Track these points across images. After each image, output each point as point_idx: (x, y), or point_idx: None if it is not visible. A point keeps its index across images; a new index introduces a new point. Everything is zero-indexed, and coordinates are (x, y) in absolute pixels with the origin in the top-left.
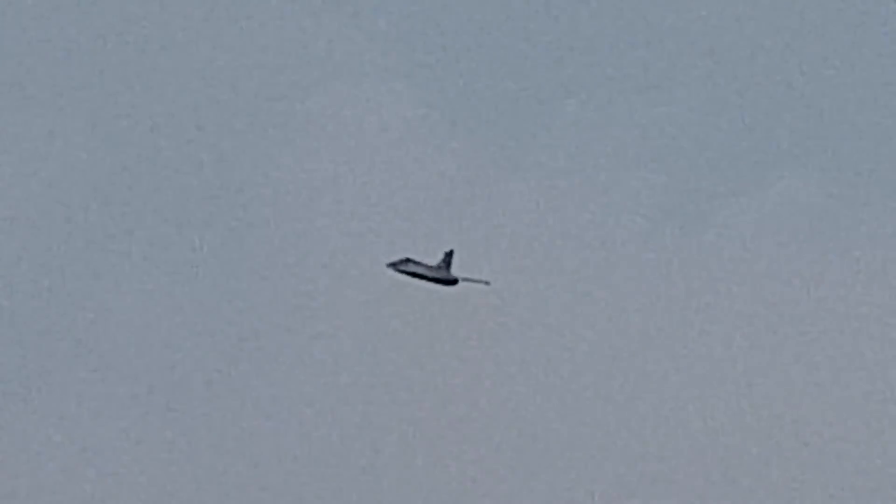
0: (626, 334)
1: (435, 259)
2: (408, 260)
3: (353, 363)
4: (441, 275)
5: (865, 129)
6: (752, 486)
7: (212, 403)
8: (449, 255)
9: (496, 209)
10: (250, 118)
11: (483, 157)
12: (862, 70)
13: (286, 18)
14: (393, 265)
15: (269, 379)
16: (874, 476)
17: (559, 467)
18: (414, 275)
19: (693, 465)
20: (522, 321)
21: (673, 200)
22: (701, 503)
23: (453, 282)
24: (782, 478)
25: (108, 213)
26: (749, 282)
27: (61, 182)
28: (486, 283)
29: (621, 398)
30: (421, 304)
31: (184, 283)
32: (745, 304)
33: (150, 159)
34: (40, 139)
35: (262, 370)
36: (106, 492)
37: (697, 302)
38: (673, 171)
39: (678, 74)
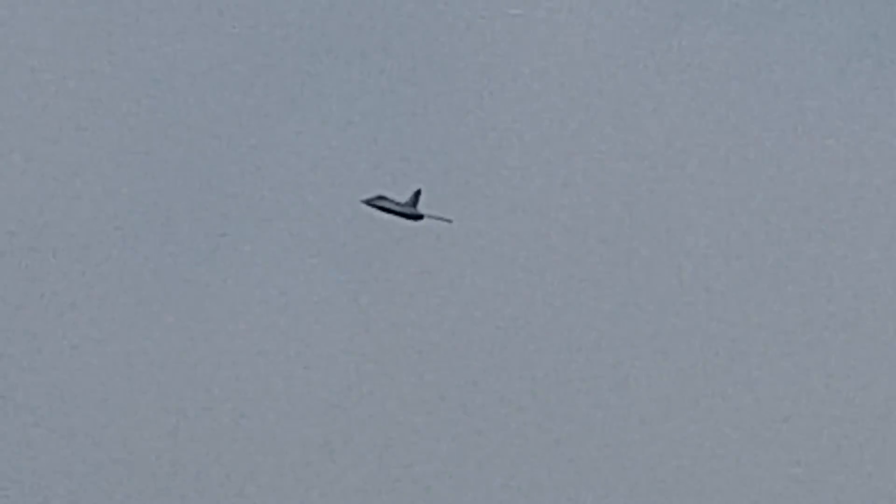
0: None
1: (405, 196)
2: (380, 197)
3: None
4: (408, 210)
5: None
6: None
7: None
8: (417, 193)
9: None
10: None
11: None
12: None
13: None
14: (367, 201)
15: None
16: None
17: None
18: (385, 209)
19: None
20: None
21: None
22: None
23: (419, 217)
24: None
25: None
26: None
27: None
28: (449, 220)
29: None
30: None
31: None
32: None
33: None
34: None
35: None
36: None
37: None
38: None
39: None
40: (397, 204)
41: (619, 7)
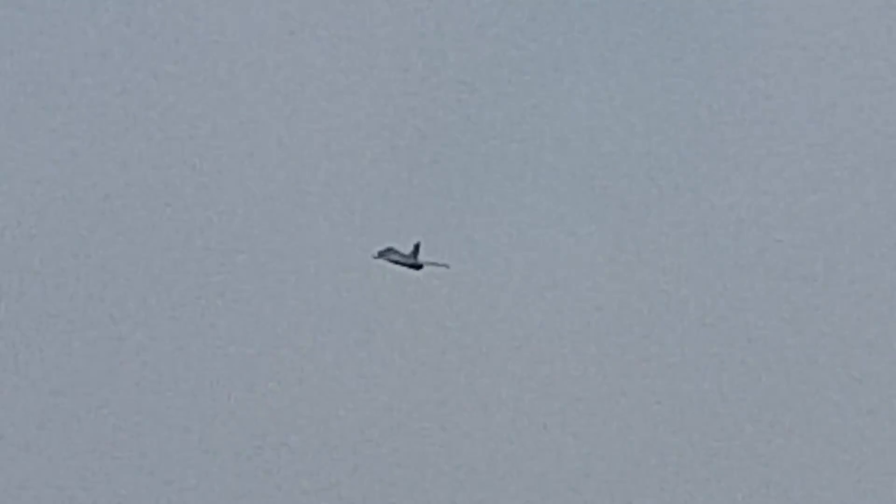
0: None
1: (407, 249)
2: (389, 249)
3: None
4: (410, 261)
5: None
6: None
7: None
8: (417, 246)
9: None
10: None
11: None
12: None
13: None
14: (380, 254)
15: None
16: None
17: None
18: (394, 262)
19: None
20: None
21: None
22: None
23: (419, 266)
24: None
25: None
26: None
27: None
28: (447, 266)
29: None
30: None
31: None
32: None
33: None
34: None
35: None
36: None
37: None
38: None
39: None
40: (403, 255)
41: None
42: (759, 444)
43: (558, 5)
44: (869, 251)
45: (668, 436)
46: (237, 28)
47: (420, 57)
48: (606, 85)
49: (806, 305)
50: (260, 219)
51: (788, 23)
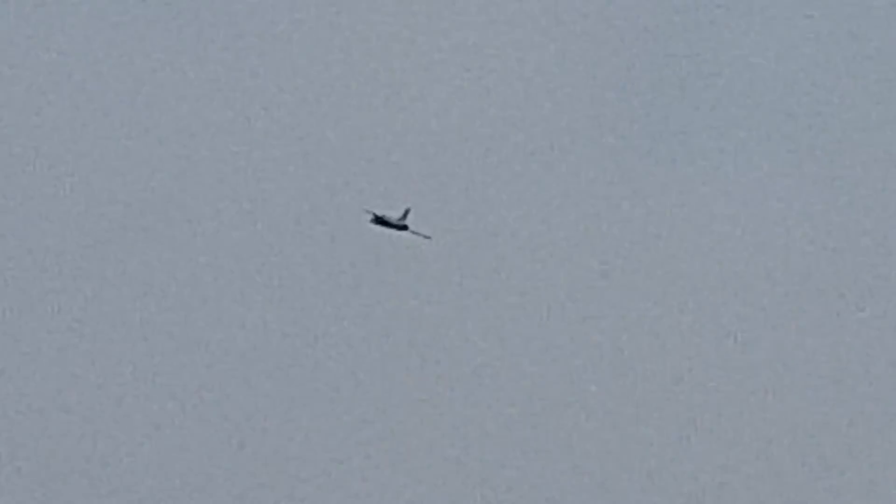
0: None
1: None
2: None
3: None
4: (399, 223)
5: None
6: None
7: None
8: (407, 210)
9: None
10: None
11: None
12: None
13: None
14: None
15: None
16: None
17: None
18: (385, 224)
19: None
20: None
21: None
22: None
23: (404, 227)
24: None
25: None
26: None
27: None
28: (427, 237)
29: None
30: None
31: None
32: None
33: None
34: None
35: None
36: None
37: None
38: None
39: None
40: (395, 219)
41: None
42: None
43: None
44: None
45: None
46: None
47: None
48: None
49: None
50: None
51: None
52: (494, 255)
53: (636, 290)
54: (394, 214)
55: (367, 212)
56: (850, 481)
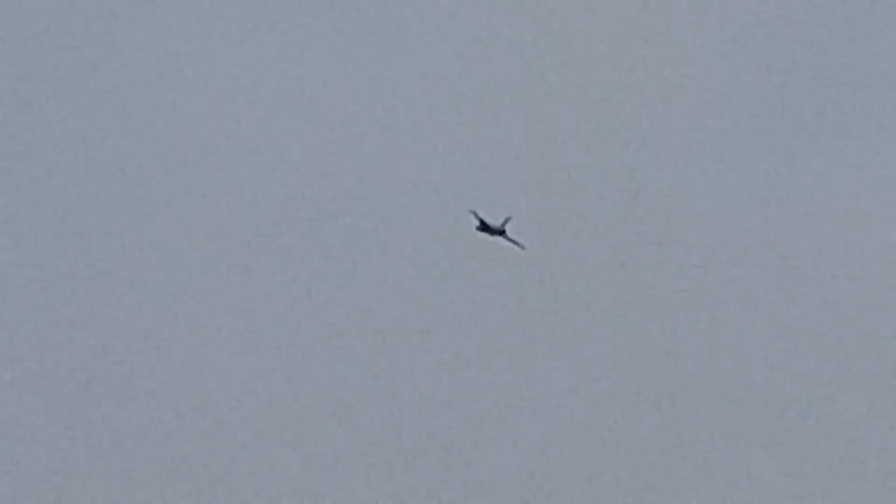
0: None
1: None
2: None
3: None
4: (497, 228)
5: None
6: None
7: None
8: (507, 219)
9: None
10: None
11: None
12: None
13: None
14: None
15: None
16: None
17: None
18: (487, 229)
19: None
20: None
21: None
22: None
23: (502, 232)
24: None
25: None
26: None
27: None
28: (523, 247)
29: None
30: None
31: None
32: None
33: None
34: None
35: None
36: None
37: None
38: None
39: None
40: (495, 225)
41: None
42: None
43: None
44: None
45: None
46: None
47: None
48: None
49: None
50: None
51: None
52: (631, 257)
53: (780, 293)
54: (495, 221)
55: (471, 212)
56: (849, 481)
